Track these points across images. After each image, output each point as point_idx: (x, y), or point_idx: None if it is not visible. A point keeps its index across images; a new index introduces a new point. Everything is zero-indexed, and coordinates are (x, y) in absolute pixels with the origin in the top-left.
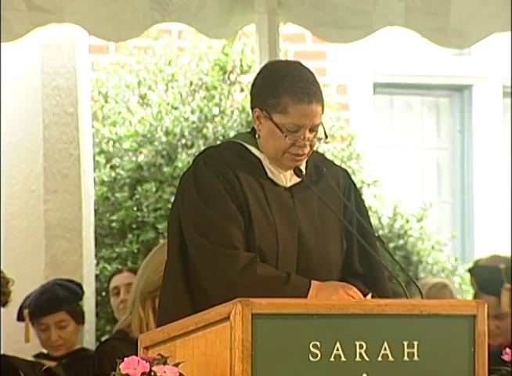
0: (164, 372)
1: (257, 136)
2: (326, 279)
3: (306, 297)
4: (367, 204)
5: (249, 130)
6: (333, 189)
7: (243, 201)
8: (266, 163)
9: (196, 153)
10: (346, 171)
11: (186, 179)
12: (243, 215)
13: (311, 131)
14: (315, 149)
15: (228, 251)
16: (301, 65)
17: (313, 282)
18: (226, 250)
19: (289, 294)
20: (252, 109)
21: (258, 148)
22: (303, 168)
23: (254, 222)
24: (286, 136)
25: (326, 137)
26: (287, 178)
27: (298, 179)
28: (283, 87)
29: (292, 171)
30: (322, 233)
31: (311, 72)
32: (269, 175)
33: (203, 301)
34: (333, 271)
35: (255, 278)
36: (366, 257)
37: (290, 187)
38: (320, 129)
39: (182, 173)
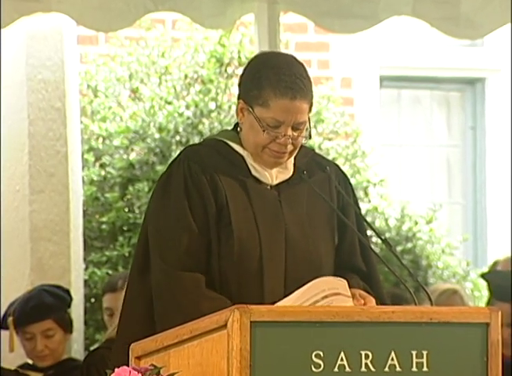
0: None
1: (238, 129)
2: (315, 278)
3: None
4: (373, 204)
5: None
6: (325, 185)
7: (219, 206)
8: (250, 160)
9: None
10: (337, 165)
11: (159, 184)
12: (207, 223)
13: (295, 129)
14: (321, 146)
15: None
16: (294, 58)
17: None
18: (176, 272)
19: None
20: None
21: (242, 144)
22: (291, 165)
23: (234, 226)
24: (264, 131)
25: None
26: (273, 176)
27: (286, 177)
28: (268, 79)
29: (278, 169)
30: (311, 232)
31: (303, 67)
32: (253, 172)
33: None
34: (322, 270)
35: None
36: (364, 254)
37: (277, 185)
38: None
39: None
